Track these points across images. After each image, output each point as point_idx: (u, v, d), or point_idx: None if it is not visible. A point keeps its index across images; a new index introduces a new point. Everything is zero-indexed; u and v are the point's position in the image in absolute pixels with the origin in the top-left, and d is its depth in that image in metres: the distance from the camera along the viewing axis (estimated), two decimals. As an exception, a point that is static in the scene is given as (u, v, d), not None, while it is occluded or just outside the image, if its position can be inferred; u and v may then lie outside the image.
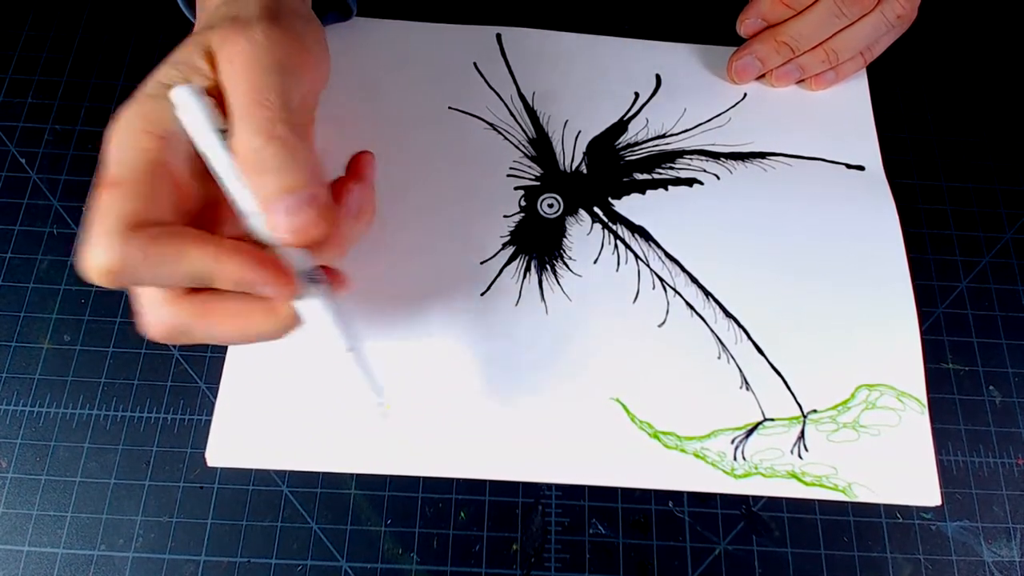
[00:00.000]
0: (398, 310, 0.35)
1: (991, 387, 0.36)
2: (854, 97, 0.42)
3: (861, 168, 0.40)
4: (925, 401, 0.34)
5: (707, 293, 0.36)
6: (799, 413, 0.34)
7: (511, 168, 0.39)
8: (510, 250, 0.37)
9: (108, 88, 0.40)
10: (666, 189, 0.39)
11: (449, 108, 0.40)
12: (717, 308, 0.36)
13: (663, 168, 0.39)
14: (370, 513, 0.32)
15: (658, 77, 0.42)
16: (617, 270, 0.37)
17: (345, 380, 0.33)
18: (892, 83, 0.43)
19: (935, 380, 0.35)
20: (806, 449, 0.34)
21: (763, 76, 0.41)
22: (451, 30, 0.42)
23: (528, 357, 0.34)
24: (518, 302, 0.36)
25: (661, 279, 0.36)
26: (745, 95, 0.41)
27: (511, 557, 0.32)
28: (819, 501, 0.33)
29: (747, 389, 0.34)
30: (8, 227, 0.37)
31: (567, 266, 0.37)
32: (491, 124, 0.40)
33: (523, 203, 0.38)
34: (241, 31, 0.25)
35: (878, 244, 0.38)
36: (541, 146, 0.39)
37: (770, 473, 0.33)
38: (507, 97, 0.41)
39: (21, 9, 0.42)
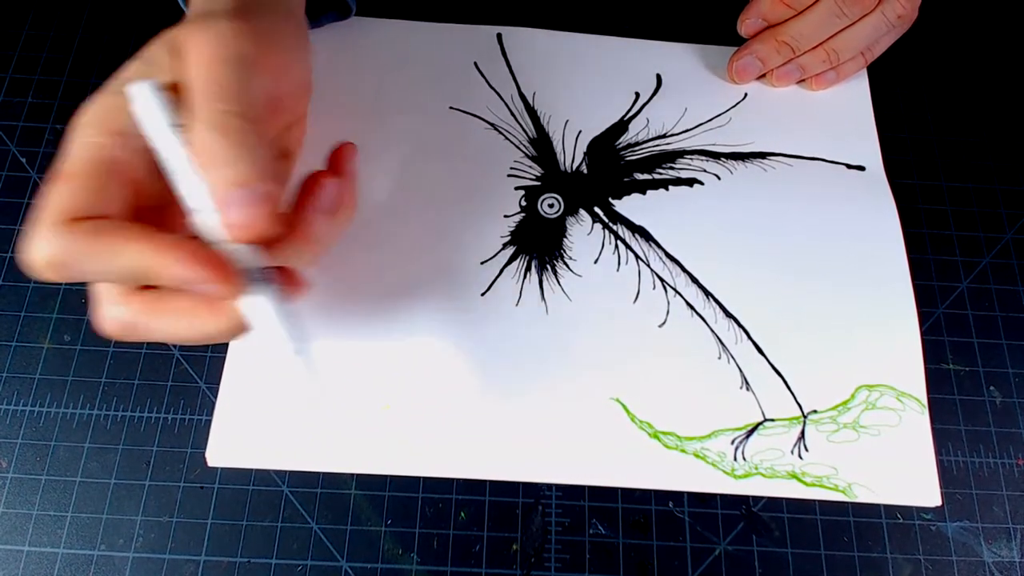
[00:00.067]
0: (398, 310, 0.35)
1: (991, 387, 0.36)
2: (855, 97, 0.42)
3: (861, 168, 0.40)
4: (925, 401, 0.34)
5: (707, 293, 0.36)
6: (799, 413, 0.34)
7: (512, 168, 0.39)
8: (510, 250, 0.37)
9: (108, 88, 0.40)
10: (667, 189, 0.39)
11: (450, 108, 0.40)
12: (717, 308, 0.36)
13: (664, 168, 0.39)
14: (370, 513, 0.32)
15: (659, 77, 0.42)
16: (617, 270, 0.37)
17: (345, 380, 0.34)
18: (892, 83, 0.43)
19: (935, 380, 0.35)
20: (806, 449, 0.34)
21: (764, 76, 0.41)
22: (451, 30, 0.42)
23: (528, 357, 0.34)
24: (518, 302, 0.36)
25: (661, 279, 0.36)
26: (746, 95, 0.41)
27: (511, 557, 0.32)
28: (819, 501, 0.33)
29: (747, 389, 0.34)
30: (8, 227, 0.37)
31: (567, 266, 0.37)
32: (492, 124, 0.40)
33: (523, 203, 0.38)
34: (207, 26, 0.25)
35: (878, 244, 0.38)
36: (542, 146, 0.39)
37: (770, 473, 0.33)
38: (508, 97, 0.40)
39: (21, 9, 0.42)
